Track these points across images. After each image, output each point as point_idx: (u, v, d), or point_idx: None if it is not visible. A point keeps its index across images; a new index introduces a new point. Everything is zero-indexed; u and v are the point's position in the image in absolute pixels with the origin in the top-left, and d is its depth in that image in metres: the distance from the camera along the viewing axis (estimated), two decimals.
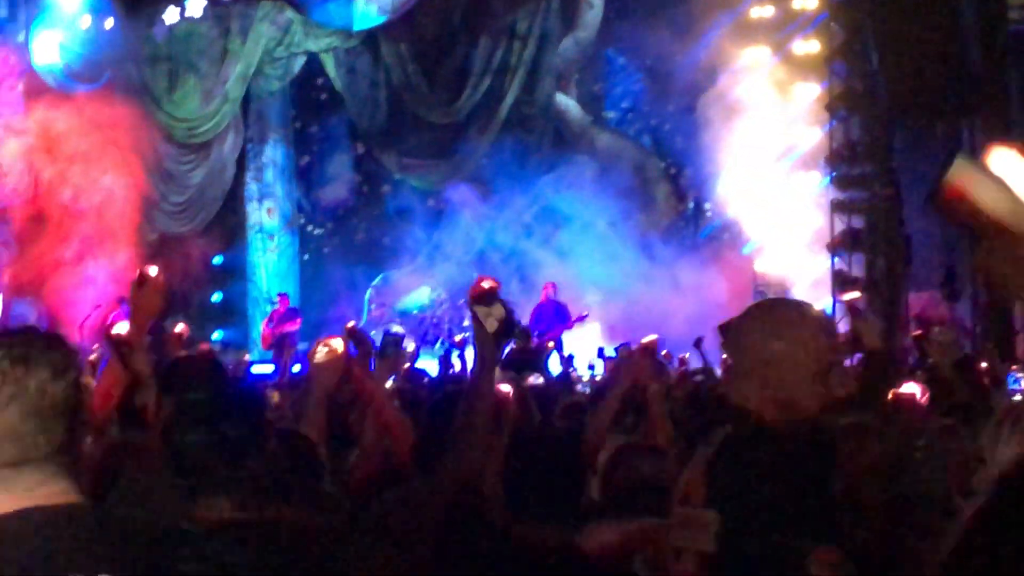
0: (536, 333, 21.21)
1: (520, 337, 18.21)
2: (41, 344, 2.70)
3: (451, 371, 17.45)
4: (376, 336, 23.04)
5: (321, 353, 6.02)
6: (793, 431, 3.51)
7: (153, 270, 5.84)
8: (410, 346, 20.18)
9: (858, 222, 21.95)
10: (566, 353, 20.81)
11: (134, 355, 5.97)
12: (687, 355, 15.66)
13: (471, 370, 4.94)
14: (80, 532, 2.65)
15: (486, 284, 5.02)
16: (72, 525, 2.65)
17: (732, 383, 3.74)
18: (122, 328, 8.01)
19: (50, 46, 21.98)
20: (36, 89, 21.98)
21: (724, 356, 10.38)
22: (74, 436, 2.74)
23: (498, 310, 4.78)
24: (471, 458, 4.53)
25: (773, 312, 3.74)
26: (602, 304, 22.96)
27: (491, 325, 4.79)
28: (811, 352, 3.54)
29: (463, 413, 4.75)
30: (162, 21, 23.22)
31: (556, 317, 21.64)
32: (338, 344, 6.10)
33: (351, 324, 9.31)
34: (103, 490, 4.11)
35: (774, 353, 3.53)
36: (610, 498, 5.34)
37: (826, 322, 3.81)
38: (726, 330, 5.31)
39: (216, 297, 24.89)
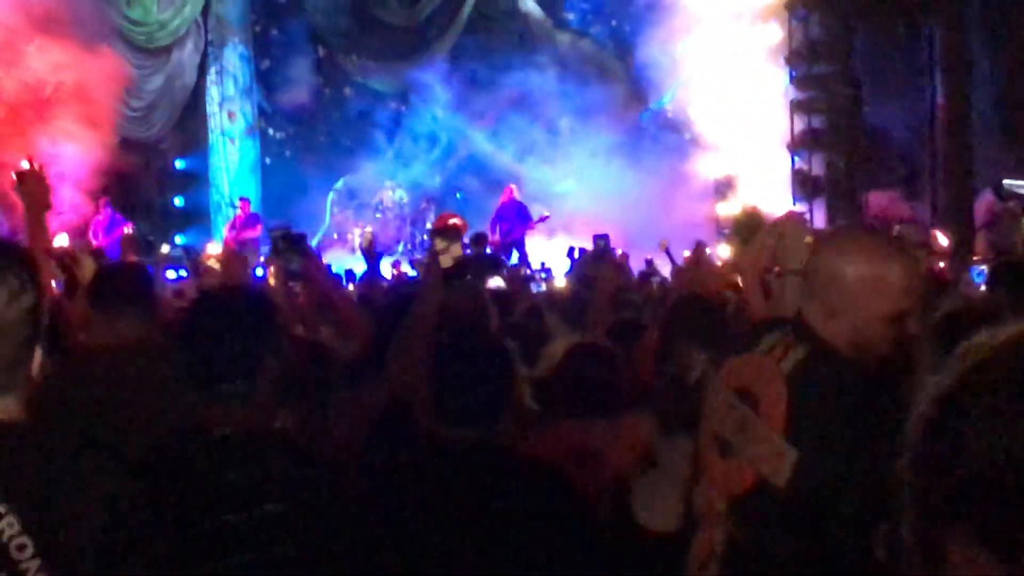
0: (500, 233, 21.74)
1: (476, 242, 18.73)
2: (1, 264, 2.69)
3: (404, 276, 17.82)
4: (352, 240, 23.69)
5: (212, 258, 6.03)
6: (868, 367, 3.36)
7: (25, 163, 5.67)
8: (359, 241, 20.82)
9: (818, 122, 22.18)
10: (529, 253, 21.28)
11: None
12: (654, 259, 15.98)
13: (416, 293, 5.28)
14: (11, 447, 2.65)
15: (452, 220, 5.44)
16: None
17: (805, 301, 3.48)
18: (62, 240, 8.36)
19: None
20: None
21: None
22: (24, 354, 2.73)
23: (456, 249, 5.09)
24: (403, 374, 4.75)
25: (856, 241, 3.49)
26: (565, 204, 23.46)
27: (445, 261, 5.08)
28: (885, 290, 3.35)
29: (402, 333, 4.99)
30: None
31: (518, 218, 22.11)
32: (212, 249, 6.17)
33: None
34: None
35: (846, 285, 3.36)
36: (558, 396, 5.18)
37: (912, 261, 3.56)
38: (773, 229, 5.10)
39: (179, 201, 25.18)
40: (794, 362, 3.35)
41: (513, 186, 22.78)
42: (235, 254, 12.03)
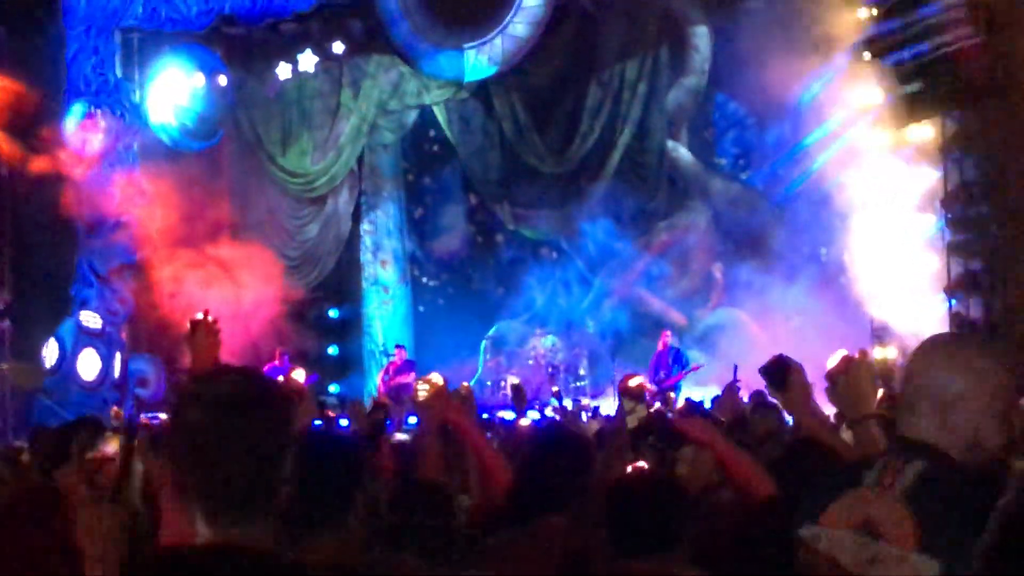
0: (655, 380, 22.17)
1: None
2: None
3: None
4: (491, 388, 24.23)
5: (423, 390, 6.26)
6: (984, 470, 3.50)
7: (200, 315, 5.88)
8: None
9: (975, 264, 22.21)
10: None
11: None
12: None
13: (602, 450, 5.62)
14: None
15: (636, 381, 5.79)
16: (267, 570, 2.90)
17: (904, 419, 3.58)
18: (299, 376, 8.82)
19: (165, 105, 23.42)
20: (151, 148, 23.50)
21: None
22: (267, 484, 2.96)
23: (641, 411, 5.43)
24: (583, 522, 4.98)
25: (951, 349, 3.64)
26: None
27: (631, 421, 5.41)
28: (994, 390, 3.49)
29: (586, 489, 5.28)
30: (275, 77, 24.52)
31: (675, 364, 22.58)
32: (437, 378, 6.36)
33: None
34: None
35: (958, 391, 3.47)
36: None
37: (1005, 358, 3.66)
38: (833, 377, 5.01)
39: (333, 350, 25.97)
40: (912, 479, 3.43)
41: (667, 332, 23.26)
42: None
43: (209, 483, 2.91)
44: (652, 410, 16.01)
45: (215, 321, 5.87)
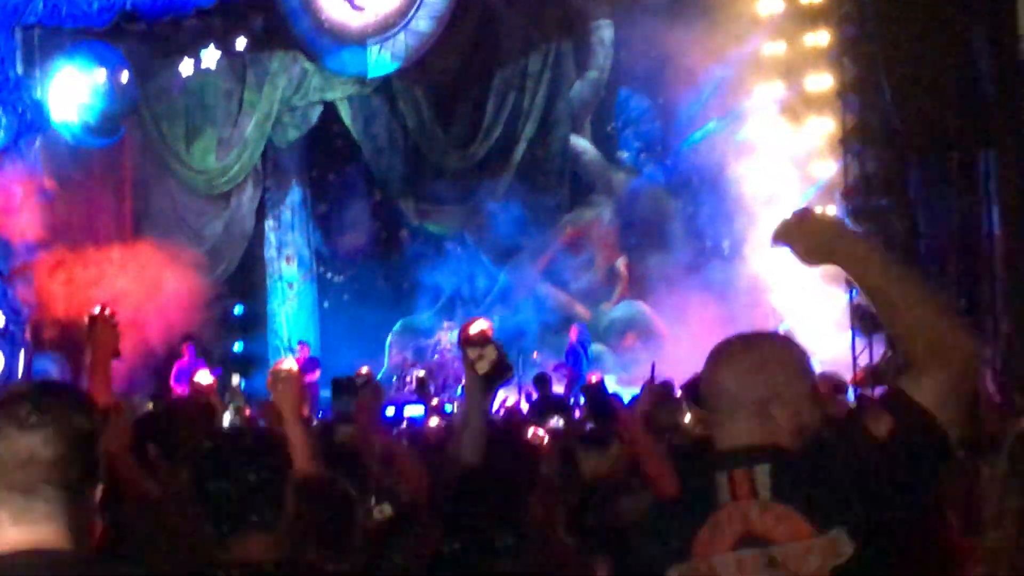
0: (569, 375, 22.66)
1: (539, 383, 19.55)
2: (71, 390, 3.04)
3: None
4: (397, 383, 24.51)
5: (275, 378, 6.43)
6: (814, 444, 3.56)
7: (97, 308, 5.99)
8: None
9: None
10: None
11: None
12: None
13: (457, 411, 5.66)
14: None
15: (477, 326, 5.41)
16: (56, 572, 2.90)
17: (725, 430, 3.62)
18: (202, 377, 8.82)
19: (66, 102, 23.43)
20: (53, 146, 23.54)
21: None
22: (77, 493, 2.96)
23: (490, 352, 5.13)
24: None
25: (750, 350, 3.67)
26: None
27: (481, 367, 5.15)
28: (800, 374, 3.60)
29: (450, 451, 5.31)
30: (178, 74, 24.61)
31: (578, 357, 23.16)
32: (288, 364, 6.49)
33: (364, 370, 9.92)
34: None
35: (773, 389, 3.53)
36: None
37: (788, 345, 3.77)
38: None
39: (238, 347, 26.12)
40: (768, 479, 3.49)
41: (576, 327, 23.82)
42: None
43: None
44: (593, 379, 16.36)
45: (113, 314, 6.00)
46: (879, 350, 21.86)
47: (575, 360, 23.26)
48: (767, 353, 3.64)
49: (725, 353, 3.68)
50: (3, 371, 22.46)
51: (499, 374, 5.21)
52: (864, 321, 22.55)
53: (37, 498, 2.88)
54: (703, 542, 3.45)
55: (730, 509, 3.46)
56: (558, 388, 21.49)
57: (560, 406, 13.57)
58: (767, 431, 3.51)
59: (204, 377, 11.24)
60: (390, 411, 19.83)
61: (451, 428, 6.01)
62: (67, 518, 2.93)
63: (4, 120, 22.77)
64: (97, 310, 5.96)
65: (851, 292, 22.57)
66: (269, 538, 3.95)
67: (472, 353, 5.12)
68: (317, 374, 22.81)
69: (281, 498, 4.02)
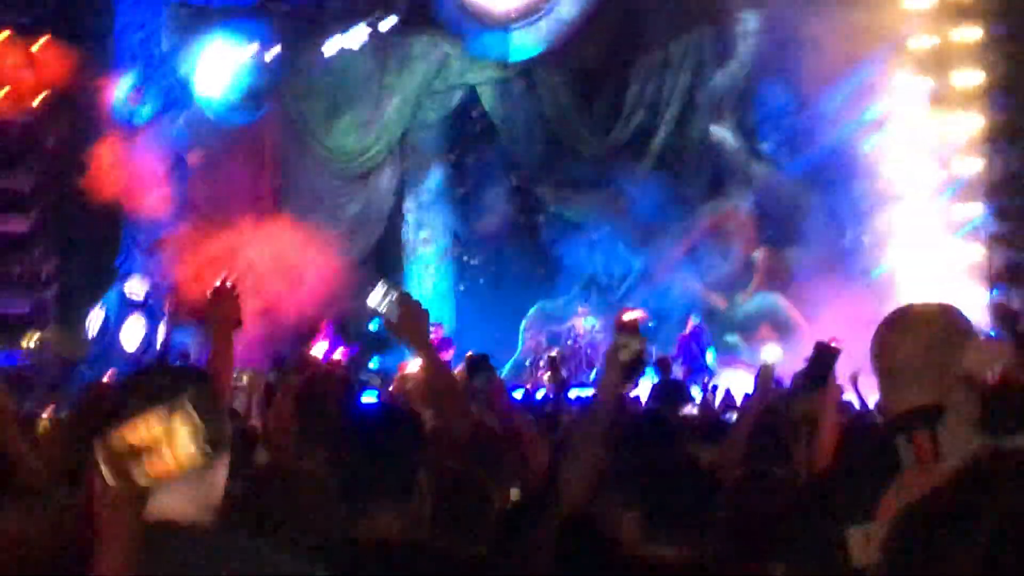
0: (684, 363, 22.67)
1: (661, 367, 19.56)
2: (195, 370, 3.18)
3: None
4: (531, 367, 24.65)
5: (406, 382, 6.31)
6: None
7: (219, 280, 6.00)
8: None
9: (1019, 256, 22.39)
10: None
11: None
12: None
13: (594, 389, 5.71)
14: None
15: (632, 315, 5.60)
16: None
17: (905, 390, 3.63)
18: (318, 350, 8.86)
19: (211, 79, 23.91)
20: (197, 121, 24.02)
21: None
22: (205, 466, 3.08)
23: (635, 344, 5.13)
24: (582, 479, 4.80)
25: (925, 315, 3.72)
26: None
27: (625, 355, 5.13)
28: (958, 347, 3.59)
29: (580, 429, 5.27)
30: (321, 53, 24.90)
31: (697, 346, 23.20)
32: (413, 366, 6.44)
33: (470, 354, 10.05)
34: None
35: (949, 350, 3.55)
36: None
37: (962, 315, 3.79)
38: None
39: (373, 326, 26.36)
40: (950, 441, 3.51)
41: (693, 317, 23.84)
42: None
43: None
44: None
45: (235, 286, 6.01)
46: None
47: (686, 354, 23.19)
48: (949, 322, 3.66)
49: (908, 320, 3.73)
50: (142, 342, 22.96)
51: (635, 368, 5.20)
52: (1005, 320, 22.29)
53: None
54: (888, 505, 3.42)
55: (914, 471, 3.46)
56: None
57: (681, 392, 13.49)
58: (948, 396, 3.52)
59: (319, 350, 11.47)
60: (518, 394, 19.91)
61: (583, 412, 6.08)
62: (194, 491, 3.08)
63: (150, 95, 23.25)
64: (218, 282, 5.99)
65: (992, 290, 22.34)
66: (401, 517, 4.01)
67: (621, 339, 5.14)
68: (451, 353, 22.90)
69: (415, 477, 4.08)
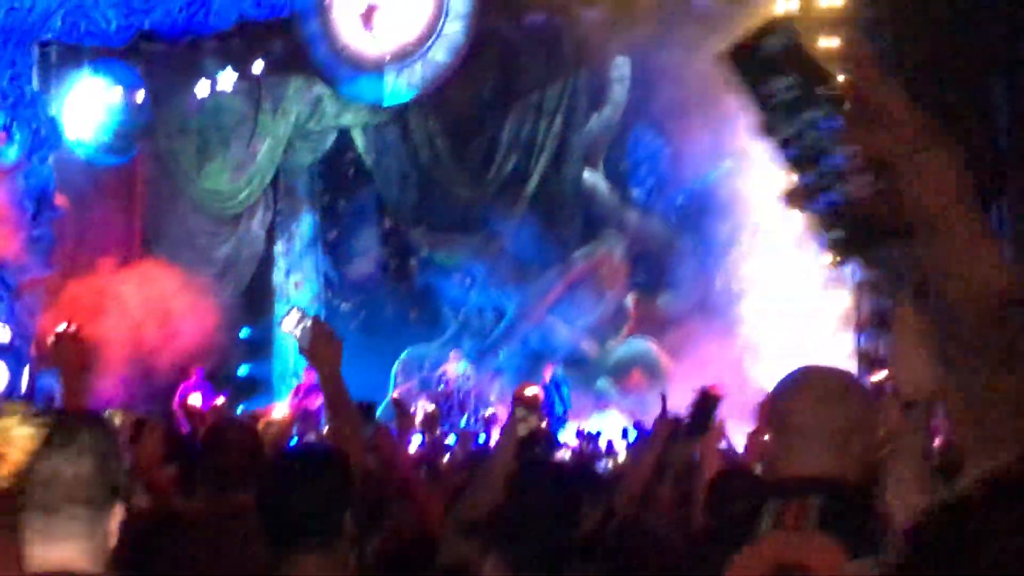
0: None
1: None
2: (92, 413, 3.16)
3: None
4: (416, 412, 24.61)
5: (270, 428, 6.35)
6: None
7: (62, 326, 5.96)
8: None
9: (885, 303, 22.76)
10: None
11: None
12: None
13: (489, 452, 5.76)
14: None
15: (532, 391, 5.84)
16: None
17: (791, 458, 3.58)
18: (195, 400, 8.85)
19: (81, 119, 23.70)
20: (66, 162, 23.77)
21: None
22: (98, 511, 3.07)
23: (534, 420, 5.47)
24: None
25: (830, 381, 3.69)
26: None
27: (522, 428, 5.42)
28: (875, 411, 3.60)
29: (467, 496, 5.39)
30: (194, 95, 24.80)
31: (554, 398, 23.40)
32: (277, 412, 6.46)
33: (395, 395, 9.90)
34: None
35: (853, 422, 3.52)
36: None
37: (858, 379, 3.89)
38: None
39: (243, 370, 26.26)
40: (817, 513, 3.41)
41: (551, 365, 24.07)
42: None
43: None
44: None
45: (79, 331, 5.99)
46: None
47: (547, 400, 23.33)
48: (846, 384, 3.68)
49: (803, 380, 3.69)
50: (7, 386, 22.61)
51: (530, 443, 5.43)
52: (871, 365, 22.69)
53: (59, 517, 2.96)
54: (738, 569, 3.43)
55: (772, 537, 3.43)
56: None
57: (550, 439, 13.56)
58: (840, 463, 3.49)
59: (196, 400, 11.47)
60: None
61: (474, 469, 6.17)
62: (88, 537, 3.02)
63: (19, 135, 22.99)
64: (61, 327, 5.95)
65: (858, 336, 22.71)
66: (327, 559, 3.97)
67: (520, 413, 5.38)
68: (322, 399, 22.81)
69: (342, 518, 4.05)
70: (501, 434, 5.39)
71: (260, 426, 15.50)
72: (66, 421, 3.07)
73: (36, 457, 2.97)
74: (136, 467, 6.50)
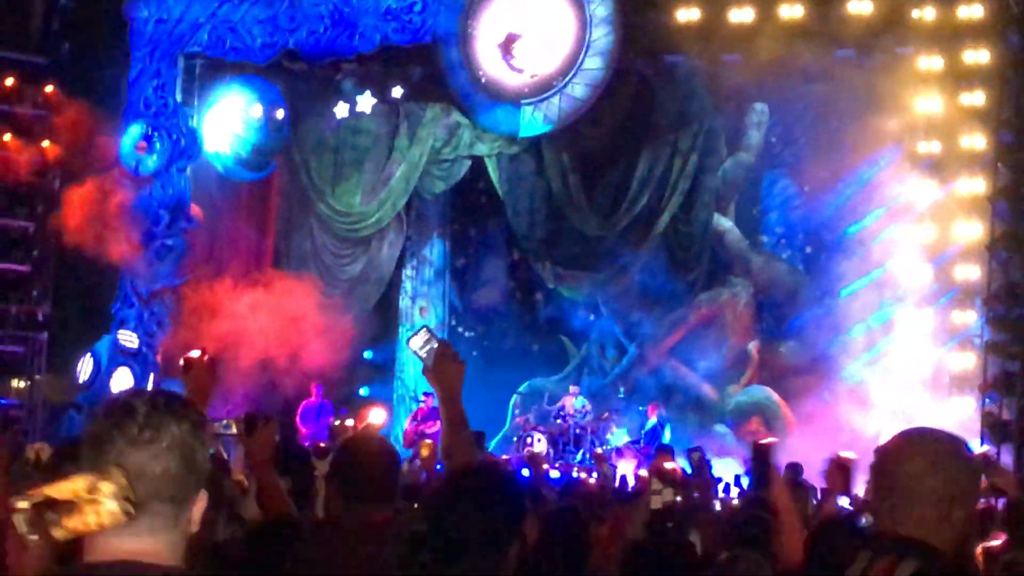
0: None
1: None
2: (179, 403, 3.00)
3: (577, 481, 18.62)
4: (517, 443, 24.71)
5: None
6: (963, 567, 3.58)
7: (195, 353, 6.03)
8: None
9: (1014, 366, 22.45)
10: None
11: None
12: None
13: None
14: None
15: (671, 465, 5.92)
16: None
17: (893, 516, 3.66)
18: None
19: (221, 133, 24.21)
20: (203, 174, 24.28)
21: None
22: (181, 503, 3.03)
23: (668, 495, 5.47)
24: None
25: (943, 446, 3.73)
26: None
27: (656, 502, 5.48)
28: (979, 484, 3.69)
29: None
30: (332, 115, 25.23)
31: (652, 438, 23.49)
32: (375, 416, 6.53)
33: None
34: None
35: (961, 489, 3.59)
36: None
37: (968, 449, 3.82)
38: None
39: (364, 391, 26.50)
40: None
41: (655, 404, 24.32)
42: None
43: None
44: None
45: (211, 361, 6.08)
46: (1007, 461, 21.61)
47: (654, 439, 23.36)
48: (955, 452, 3.70)
49: (917, 444, 3.74)
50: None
51: (663, 517, 5.46)
52: (994, 428, 22.36)
53: (144, 512, 2.92)
54: None
55: None
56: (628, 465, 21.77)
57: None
58: (939, 530, 3.54)
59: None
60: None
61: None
62: (169, 529, 3.00)
63: (159, 145, 23.47)
64: (195, 354, 6.04)
65: (983, 400, 22.40)
66: (495, 566, 4.05)
67: (656, 486, 5.43)
68: (437, 425, 22.98)
69: (512, 538, 4.12)
70: (635, 501, 5.50)
71: (360, 427, 15.79)
72: (154, 414, 3.00)
73: (121, 451, 2.94)
74: (248, 460, 6.73)
